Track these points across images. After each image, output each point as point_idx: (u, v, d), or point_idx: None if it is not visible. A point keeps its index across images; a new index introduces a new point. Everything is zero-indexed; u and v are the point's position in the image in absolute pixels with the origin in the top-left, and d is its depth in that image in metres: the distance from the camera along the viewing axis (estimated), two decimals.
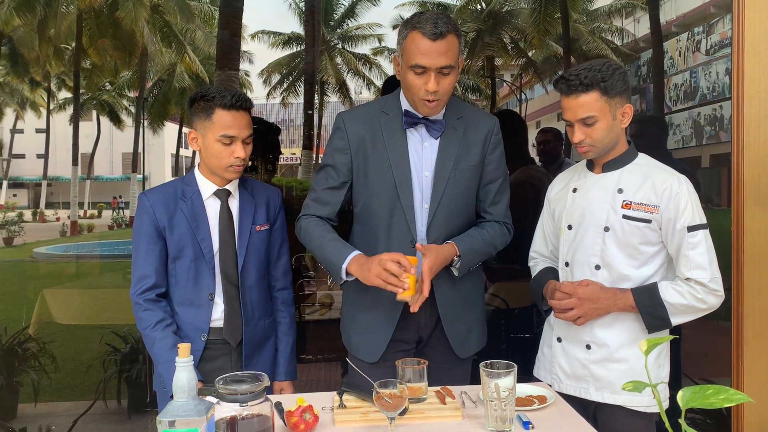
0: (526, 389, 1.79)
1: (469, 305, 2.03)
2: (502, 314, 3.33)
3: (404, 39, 1.85)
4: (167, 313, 1.96)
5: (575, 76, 1.80)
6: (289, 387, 2.14)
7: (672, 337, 1.25)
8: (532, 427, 1.54)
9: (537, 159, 3.82)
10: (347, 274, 1.87)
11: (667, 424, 1.10)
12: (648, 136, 3.55)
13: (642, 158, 1.92)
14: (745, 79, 2.21)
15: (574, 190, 1.97)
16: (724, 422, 2.60)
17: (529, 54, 14.82)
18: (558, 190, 2.06)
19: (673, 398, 1.20)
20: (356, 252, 1.87)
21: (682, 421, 1.11)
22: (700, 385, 1.12)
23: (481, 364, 1.56)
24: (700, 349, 3.12)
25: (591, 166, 1.97)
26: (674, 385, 1.83)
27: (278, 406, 1.62)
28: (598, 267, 1.89)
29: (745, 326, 2.23)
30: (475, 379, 1.89)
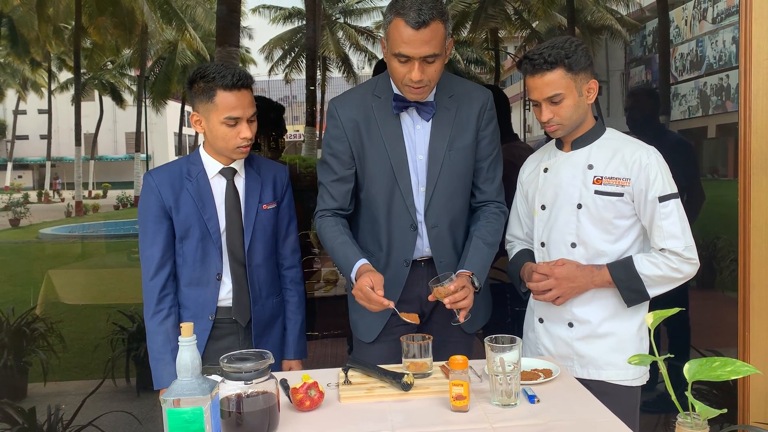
0: (531, 363, 1.78)
1: None
2: (507, 288, 3.32)
3: (388, 24, 1.80)
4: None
5: (539, 54, 1.79)
6: (298, 366, 2.14)
7: (678, 309, 1.24)
8: (538, 401, 1.54)
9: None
10: None
11: (669, 388, 1.09)
12: (643, 108, 3.54)
13: (610, 132, 1.93)
14: (753, 46, 2.17)
15: (545, 170, 1.98)
16: (729, 393, 2.60)
17: (533, 25, 14.61)
18: (529, 171, 2.06)
19: (678, 370, 1.19)
20: (362, 261, 1.87)
21: (688, 393, 1.10)
22: (707, 358, 1.11)
23: (486, 339, 1.56)
24: (707, 320, 3.11)
25: (560, 144, 1.97)
26: (683, 357, 1.83)
27: (283, 383, 1.62)
28: (574, 245, 1.89)
29: (752, 297, 2.22)
30: (479, 353, 1.89)
